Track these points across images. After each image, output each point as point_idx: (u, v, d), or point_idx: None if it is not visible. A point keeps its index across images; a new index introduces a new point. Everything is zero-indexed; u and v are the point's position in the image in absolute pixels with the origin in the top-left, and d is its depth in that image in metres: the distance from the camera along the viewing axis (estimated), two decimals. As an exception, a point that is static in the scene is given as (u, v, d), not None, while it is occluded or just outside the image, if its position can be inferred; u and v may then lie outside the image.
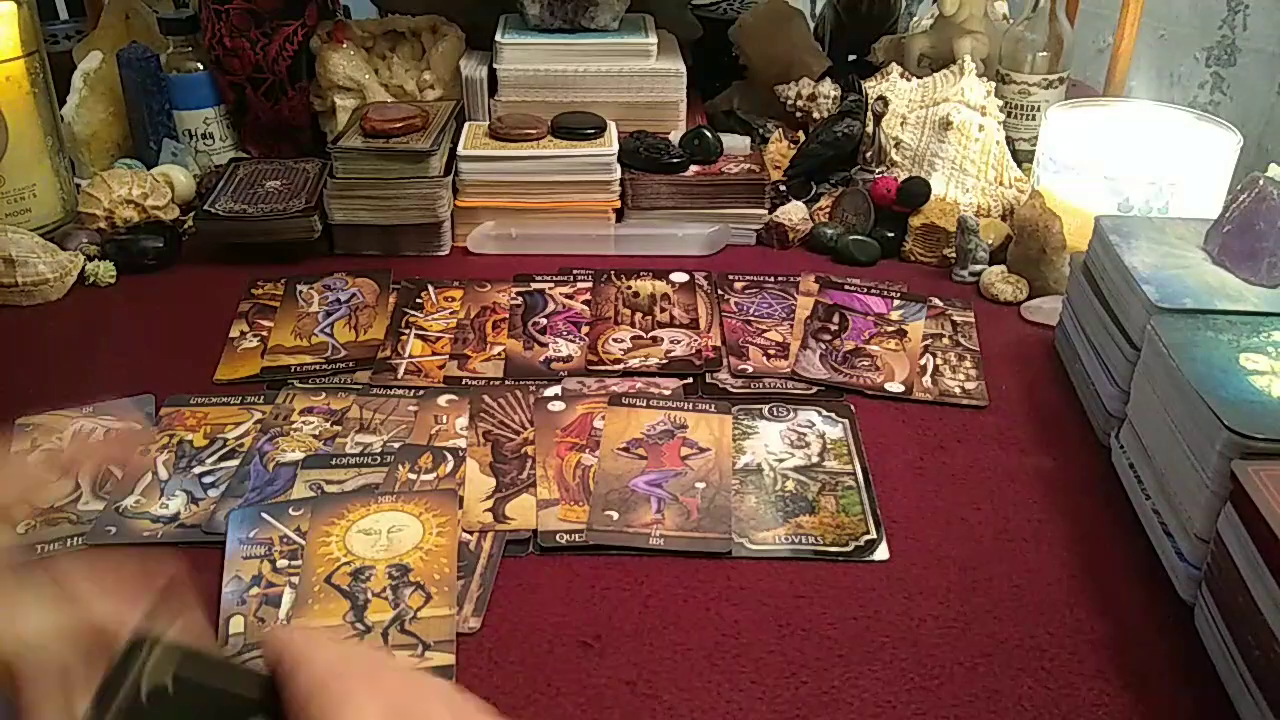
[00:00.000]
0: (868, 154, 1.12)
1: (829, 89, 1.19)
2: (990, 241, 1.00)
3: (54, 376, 0.85)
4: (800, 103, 1.19)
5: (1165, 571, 0.64)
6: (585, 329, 0.90)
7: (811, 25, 1.36)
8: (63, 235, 1.02)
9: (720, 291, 0.96)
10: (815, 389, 0.83)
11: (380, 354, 0.87)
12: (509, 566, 0.65)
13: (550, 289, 0.96)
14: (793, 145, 1.18)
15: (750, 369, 0.85)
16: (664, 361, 0.86)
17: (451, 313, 0.93)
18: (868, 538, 0.68)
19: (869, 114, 1.11)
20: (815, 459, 0.75)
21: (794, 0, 1.32)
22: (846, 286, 0.97)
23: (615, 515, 0.69)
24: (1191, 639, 0.60)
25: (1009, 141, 1.12)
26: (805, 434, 0.77)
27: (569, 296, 0.95)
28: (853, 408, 0.80)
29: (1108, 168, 0.95)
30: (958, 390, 0.83)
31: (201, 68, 1.15)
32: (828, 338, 0.89)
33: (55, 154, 1.07)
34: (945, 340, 0.90)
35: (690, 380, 0.84)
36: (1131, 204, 0.95)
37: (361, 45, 1.18)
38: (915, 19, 1.52)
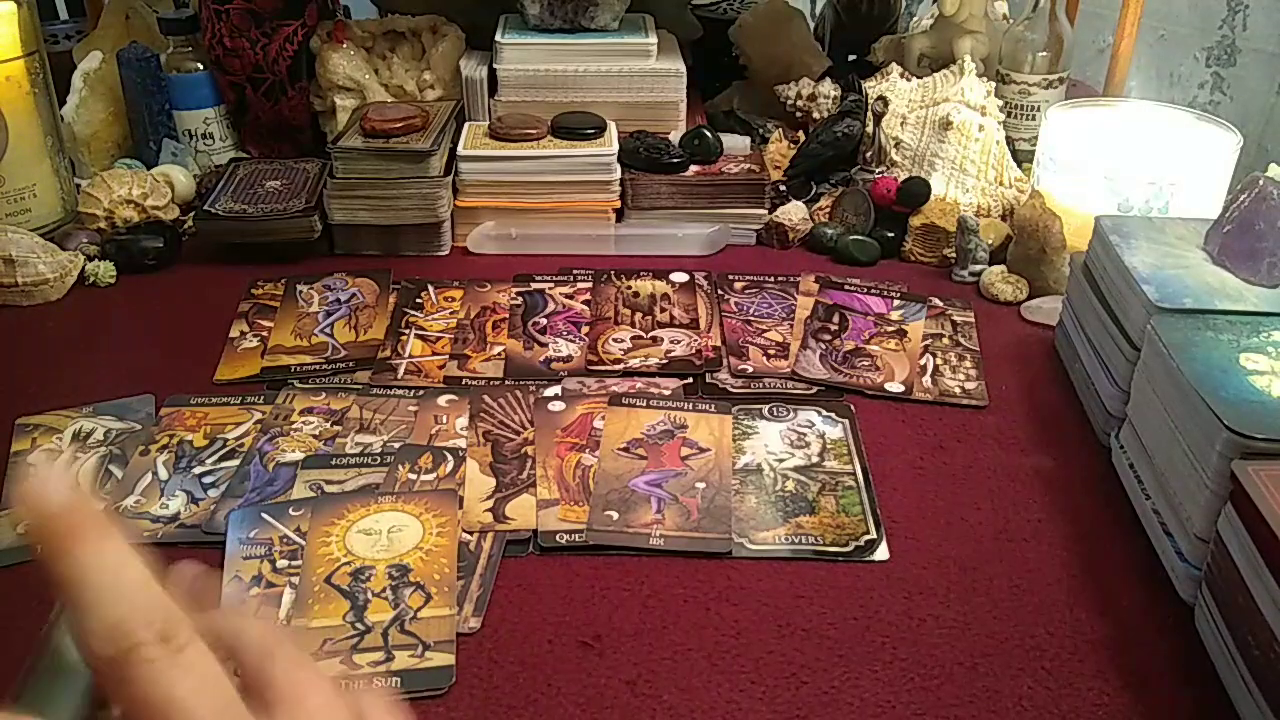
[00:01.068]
0: (868, 154, 1.12)
1: (829, 89, 1.19)
2: (990, 241, 1.00)
3: (54, 376, 0.85)
4: (800, 103, 1.19)
5: (1165, 571, 0.64)
6: (585, 329, 0.90)
7: (811, 25, 1.36)
8: (63, 235, 1.02)
9: (720, 291, 0.96)
10: (815, 389, 0.83)
11: (380, 354, 0.87)
12: (509, 566, 0.65)
13: (550, 289, 0.96)
14: (793, 145, 1.18)
15: (750, 369, 0.85)
16: (664, 361, 0.86)
17: (451, 313, 0.93)
18: (868, 538, 0.68)
19: (869, 114, 1.11)
20: (815, 459, 0.75)
21: (794, 0, 1.32)
22: (846, 286, 0.97)
23: (615, 515, 0.69)
24: (1191, 639, 0.60)
25: (1009, 141, 1.12)
26: (805, 434, 0.77)
27: (569, 296, 0.95)
28: (853, 408, 0.80)
29: (1108, 168, 0.95)
30: (958, 390, 0.83)
31: (201, 68, 1.15)
32: (828, 338, 0.89)
33: (55, 154, 1.07)
34: (945, 340, 0.90)
35: (690, 380, 0.84)
36: (1131, 204, 0.95)
37: (361, 45, 1.18)
38: (915, 19, 1.52)
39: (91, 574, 0.25)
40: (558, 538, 0.67)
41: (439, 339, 0.89)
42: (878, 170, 1.11)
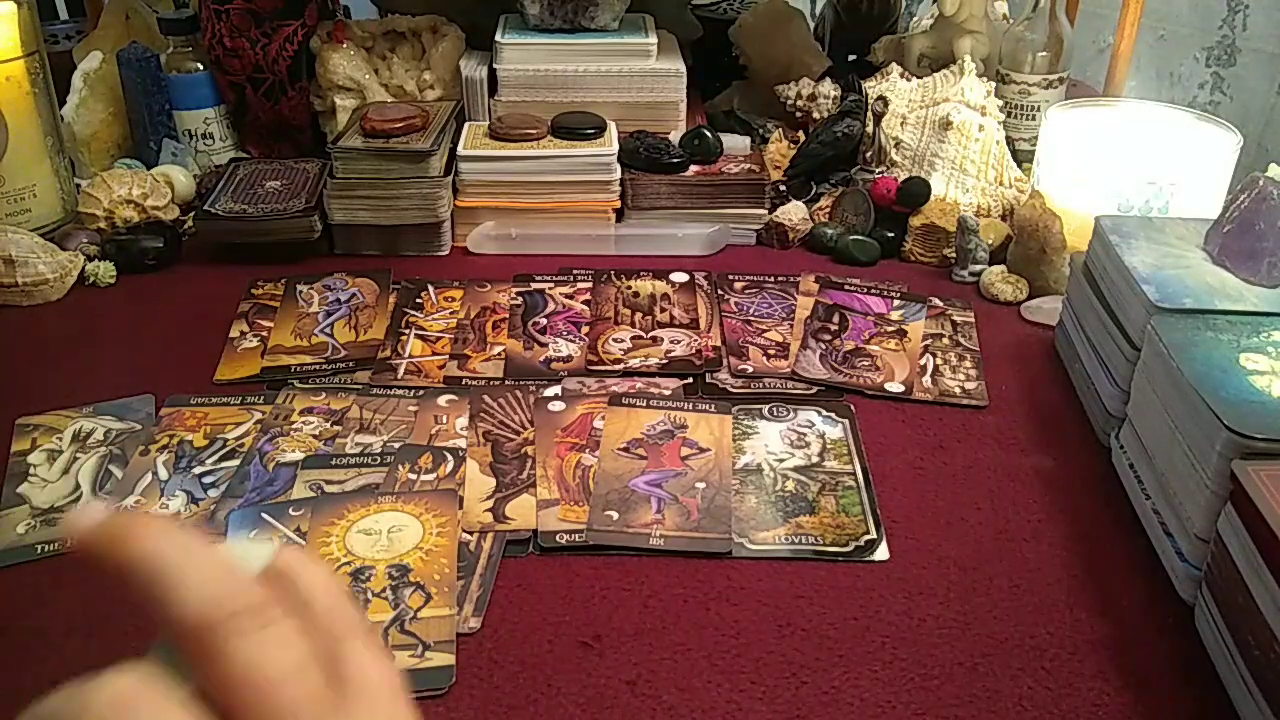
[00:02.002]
0: (868, 154, 1.12)
1: (829, 89, 1.19)
2: (990, 241, 1.00)
3: (54, 376, 0.85)
4: (800, 103, 1.19)
5: (1165, 571, 0.64)
6: (585, 329, 0.90)
7: (811, 25, 1.36)
8: (63, 235, 1.02)
9: (720, 291, 0.96)
10: (815, 389, 0.83)
11: (380, 354, 0.87)
12: (509, 566, 0.65)
13: (550, 289, 0.96)
14: (793, 145, 1.18)
15: (750, 369, 0.85)
16: (664, 361, 0.86)
17: (451, 313, 0.93)
18: (868, 538, 0.68)
19: (869, 114, 1.11)
20: (815, 459, 0.75)
21: (794, 0, 1.32)
22: (846, 286, 0.97)
23: (615, 515, 0.69)
24: (1191, 639, 0.60)
25: (1009, 141, 1.12)
26: (805, 434, 0.77)
27: (569, 296, 0.95)
28: (853, 408, 0.80)
29: (1108, 168, 0.95)
30: (958, 390, 0.83)
31: (201, 68, 1.15)
32: (828, 338, 0.89)
33: (55, 154, 1.07)
34: (945, 340, 0.90)
35: (690, 380, 0.84)
36: (1131, 204, 0.95)
37: (361, 45, 1.18)
38: (915, 19, 1.52)
39: (167, 556, 0.24)
40: (558, 538, 0.67)
41: (439, 339, 0.89)
42: (878, 170, 1.11)
